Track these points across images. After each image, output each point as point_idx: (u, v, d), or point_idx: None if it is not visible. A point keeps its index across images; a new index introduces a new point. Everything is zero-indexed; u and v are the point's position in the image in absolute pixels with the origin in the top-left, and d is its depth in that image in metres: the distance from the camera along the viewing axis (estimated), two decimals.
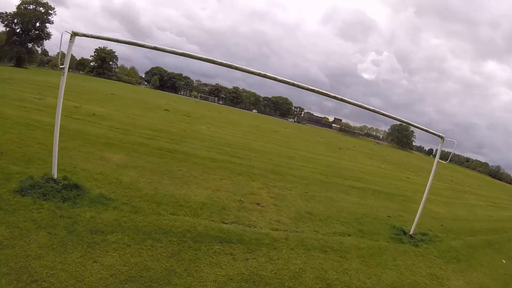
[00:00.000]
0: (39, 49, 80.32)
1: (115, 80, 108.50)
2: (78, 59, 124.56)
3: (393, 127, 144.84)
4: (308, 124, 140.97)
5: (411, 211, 9.15)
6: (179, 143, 11.79)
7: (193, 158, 9.71)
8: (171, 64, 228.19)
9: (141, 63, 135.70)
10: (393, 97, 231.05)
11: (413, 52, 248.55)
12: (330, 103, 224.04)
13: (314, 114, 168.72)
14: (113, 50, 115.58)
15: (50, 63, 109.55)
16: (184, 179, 7.31)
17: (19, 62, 64.39)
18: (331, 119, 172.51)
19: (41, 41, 68.34)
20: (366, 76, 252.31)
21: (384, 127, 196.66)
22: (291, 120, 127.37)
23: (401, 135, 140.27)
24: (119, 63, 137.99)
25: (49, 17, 65.79)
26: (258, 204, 6.78)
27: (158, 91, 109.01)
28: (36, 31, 65.20)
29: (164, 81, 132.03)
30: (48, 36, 68.46)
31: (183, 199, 5.93)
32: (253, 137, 20.14)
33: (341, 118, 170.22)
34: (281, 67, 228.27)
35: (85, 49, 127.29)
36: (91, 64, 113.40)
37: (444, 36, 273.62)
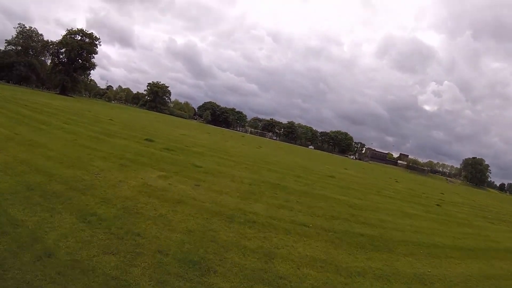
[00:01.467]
0: (92, 78, 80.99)
1: (167, 113, 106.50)
2: (134, 92, 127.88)
3: (466, 162, 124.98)
4: (370, 162, 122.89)
5: None
6: None
7: None
8: (231, 102, 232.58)
9: (203, 102, 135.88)
10: (457, 128, 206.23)
11: (475, 79, 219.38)
12: (391, 138, 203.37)
13: (377, 150, 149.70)
14: (166, 85, 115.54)
15: (105, 95, 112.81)
16: None
17: (63, 90, 63.08)
18: (395, 155, 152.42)
19: (86, 71, 67.20)
20: (427, 108, 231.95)
21: (448, 161, 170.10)
22: (352, 157, 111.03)
23: (475, 171, 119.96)
24: (180, 100, 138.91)
25: (95, 48, 64.45)
26: None
27: (209, 125, 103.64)
28: (82, 61, 63.88)
29: (216, 116, 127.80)
30: (93, 66, 67.21)
31: None
32: (271, 199, 8.24)
33: (407, 154, 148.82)
34: (338, 103, 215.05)
35: (142, 84, 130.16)
36: (146, 97, 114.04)
37: (503, 58, 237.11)
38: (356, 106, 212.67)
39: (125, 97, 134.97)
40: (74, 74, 63.50)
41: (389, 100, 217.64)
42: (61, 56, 63.49)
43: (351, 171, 30.70)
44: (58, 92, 62.12)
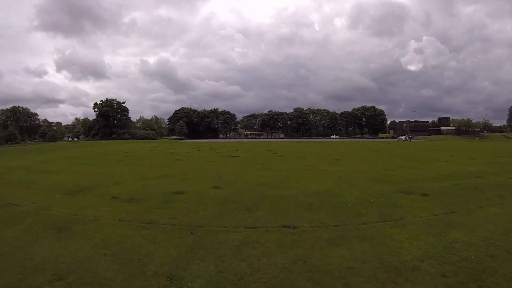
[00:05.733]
0: None
1: (126, 138, 75.23)
2: (91, 119, 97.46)
3: None
4: (418, 138, 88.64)
5: None
6: None
7: None
8: (219, 108, 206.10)
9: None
10: (446, 82, 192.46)
11: (452, 27, 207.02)
12: (383, 106, 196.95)
13: (414, 120, 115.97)
14: (120, 101, 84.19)
15: (48, 134, 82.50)
16: None
17: None
18: (429, 120, 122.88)
19: None
20: (412, 68, 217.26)
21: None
22: (403, 137, 76.95)
23: None
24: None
25: None
26: None
27: (184, 141, 71.69)
28: None
29: (194, 125, 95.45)
30: None
31: None
32: None
33: (448, 116, 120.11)
34: (322, 84, 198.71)
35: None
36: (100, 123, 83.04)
37: (474, 0, 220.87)
38: (341, 83, 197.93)
39: (83, 129, 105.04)
40: None
41: (372, 69, 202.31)
42: None
43: None
44: None
